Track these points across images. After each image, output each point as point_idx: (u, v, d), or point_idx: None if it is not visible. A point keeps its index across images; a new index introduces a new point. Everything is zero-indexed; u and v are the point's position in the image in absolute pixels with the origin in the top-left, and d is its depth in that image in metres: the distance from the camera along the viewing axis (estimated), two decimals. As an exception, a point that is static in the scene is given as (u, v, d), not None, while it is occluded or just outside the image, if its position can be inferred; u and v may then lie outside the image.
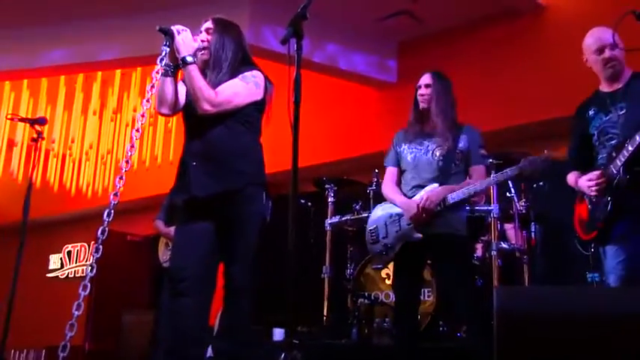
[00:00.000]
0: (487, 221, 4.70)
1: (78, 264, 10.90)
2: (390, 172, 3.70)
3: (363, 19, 6.47)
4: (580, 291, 2.48)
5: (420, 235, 3.42)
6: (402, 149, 3.65)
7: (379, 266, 4.20)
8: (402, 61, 6.99)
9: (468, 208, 3.81)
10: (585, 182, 3.02)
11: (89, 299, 8.10)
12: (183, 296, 2.92)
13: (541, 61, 5.97)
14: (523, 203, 5.01)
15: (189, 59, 2.93)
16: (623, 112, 2.99)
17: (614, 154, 2.90)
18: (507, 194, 4.91)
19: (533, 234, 4.97)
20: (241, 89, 3.00)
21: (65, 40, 6.73)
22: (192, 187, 2.98)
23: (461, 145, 3.53)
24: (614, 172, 2.87)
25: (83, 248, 10.91)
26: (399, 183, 3.65)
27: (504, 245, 4.82)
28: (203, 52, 3.07)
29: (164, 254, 5.84)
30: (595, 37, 3.13)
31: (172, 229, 4.92)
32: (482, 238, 4.82)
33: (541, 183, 5.04)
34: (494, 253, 4.54)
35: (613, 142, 2.97)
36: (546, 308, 2.13)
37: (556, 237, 5.64)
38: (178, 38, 2.94)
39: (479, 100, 5.79)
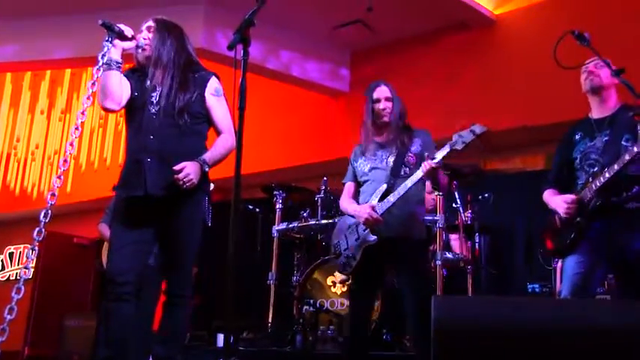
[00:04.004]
0: (433, 231, 4.75)
1: (20, 266, 10.61)
2: (347, 187, 3.74)
3: (318, 27, 6.48)
4: (518, 301, 2.51)
5: (375, 237, 3.42)
6: (358, 163, 3.68)
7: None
8: (355, 70, 7.04)
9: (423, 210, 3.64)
10: (560, 203, 3.16)
11: (30, 303, 7.89)
12: (123, 301, 2.83)
13: (490, 72, 6.09)
14: (468, 214, 5.12)
15: None
16: (606, 139, 3.12)
17: (590, 180, 3.06)
18: (453, 205, 5.00)
19: (477, 244, 5.06)
20: (226, 108, 3.08)
21: (13, 36, 6.56)
22: (148, 185, 2.90)
23: (414, 148, 3.53)
24: (588, 195, 3.04)
25: (26, 250, 10.61)
26: (355, 196, 3.68)
27: (449, 255, 4.90)
28: (145, 48, 3.05)
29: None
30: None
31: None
32: (428, 247, 4.87)
33: (486, 195, 5.14)
34: (438, 262, 4.61)
35: (594, 168, 3.11)
36: (484, 318, 2.14)
37: (500, 248, 5.77)
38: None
39: (428, 110, 5.86)
